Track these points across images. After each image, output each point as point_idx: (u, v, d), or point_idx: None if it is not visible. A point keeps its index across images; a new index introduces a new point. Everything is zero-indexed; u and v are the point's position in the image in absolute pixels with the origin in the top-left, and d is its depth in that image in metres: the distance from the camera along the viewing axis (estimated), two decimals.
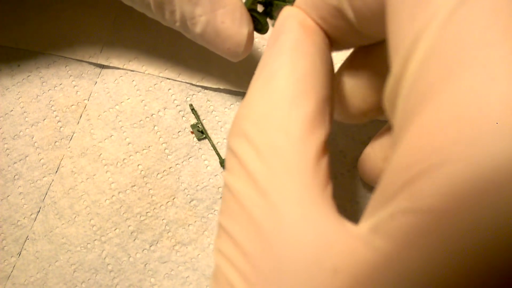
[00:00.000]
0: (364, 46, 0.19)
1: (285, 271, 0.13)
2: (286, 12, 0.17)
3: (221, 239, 0.15)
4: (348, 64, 0.20)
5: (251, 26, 0.23)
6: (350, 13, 0.15)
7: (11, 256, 0.26)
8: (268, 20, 0.24)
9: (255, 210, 0.14)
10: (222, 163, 0.27)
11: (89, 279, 0.25)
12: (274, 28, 0.17)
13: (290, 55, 0.16)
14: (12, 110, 0.29)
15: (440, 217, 0.10)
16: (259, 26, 0.24)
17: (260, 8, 0.24)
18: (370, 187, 0.26)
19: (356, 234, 0.12)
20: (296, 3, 0.18)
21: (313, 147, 0.15)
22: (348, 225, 0.13)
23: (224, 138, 0.27)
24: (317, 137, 0.15)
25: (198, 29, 0.23)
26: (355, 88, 0.19)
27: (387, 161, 0.18)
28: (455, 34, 0.10)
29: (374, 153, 0.22)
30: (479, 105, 0.10)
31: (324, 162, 0.15)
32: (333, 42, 0.18)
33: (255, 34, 0.24)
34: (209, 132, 0.27)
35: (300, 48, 0.16)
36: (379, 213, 0.11)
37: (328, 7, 0.16)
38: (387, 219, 0.11)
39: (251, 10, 0.23)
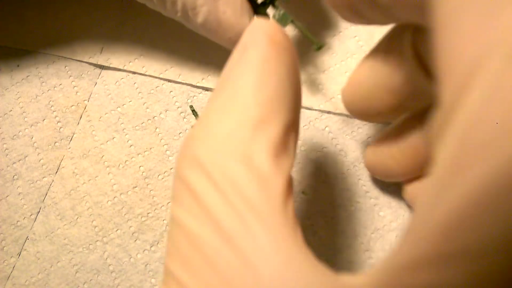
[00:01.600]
0: (386, 45, 0.19)
1: None
2: (257, 24, 0.16)
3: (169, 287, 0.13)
4: (369, 61, 0.20)
5: (253, 15, 0.24)
6: None
7: (11, 257, 0.26)
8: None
9: (220, 260, 0.12)
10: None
11: (91, 280, 0.25)
12: (242, 39, 0.16)
13: (257, 73, 0.14)
14: (11, 110, 0.29)
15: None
16: (260, 16, 0.24)
17: None
18: (369, 187, 0.26)
19: None
20: None
21: (279, 186, 0.13)
22: (343, 277, 0.12)
23: None
24: (282, 171, 0.14)
25: (199, 19, 0.23)
26: (373, 87, 0.19)
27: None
28: None
29: (381, 151, 0.22)
30: None
31: (291, 202, 0.14)
32: (356, 13, 0.16)
33: None
34: None
35: (268, 66, 0.15)
36: (384, 272, 0.10)
37: None
38: (389, 278, 0.10)
39: (251, 1, 0.24)
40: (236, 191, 0.13)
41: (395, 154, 0.22)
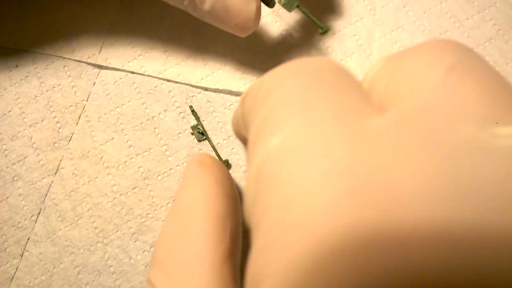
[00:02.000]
0: None
1: None
2: (191, 157, 0.21)
3: None
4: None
5: (259, 0, 0.24)
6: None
7: (14, 258, 0.26)
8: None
9: None
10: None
11: (93, 281, 0.26)
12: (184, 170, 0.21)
13: (189, 191, 0.20)
14: (10, 111, 0.29)
15: None
16: (266, 1, 0.25)
17: None
18: None
19: None
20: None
21: (219, 272, 0.17)
22: None
23: (224, 139, 0.27)
24: (220, 256, 0.18)
25: (206, 6, 0.23)
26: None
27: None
28: (271, 172, 0.12)
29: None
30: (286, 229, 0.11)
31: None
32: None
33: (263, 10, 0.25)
34: (209, 133, 0.28)
35: (198, 183, 0.20)
36: None
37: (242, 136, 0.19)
38: None
39: None
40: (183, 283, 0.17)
41: None
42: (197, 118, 0.28)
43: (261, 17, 0.26)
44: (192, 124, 0.28)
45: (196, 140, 0.27)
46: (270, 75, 0.14)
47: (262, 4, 0.25)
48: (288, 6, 0.24)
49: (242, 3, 0.23)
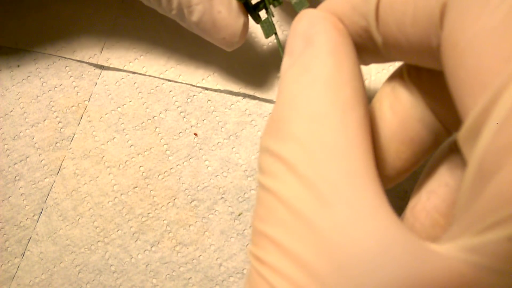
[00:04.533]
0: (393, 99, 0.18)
1: (356, 285, 0.12)
2: (313, 13, 0.16)
3: (264, 248, 0.14)
4: (380, 115, 0.19)
5: (247, 16, 0.24)
6: (378, 38, 0.15)
7: (15, 257, 0.26)
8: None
9: (318, 220, 0.13)
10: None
11: (93, 280, 0.26)
12: (300, 27, 0.16)
13: (334, 59, 0.15)
14: (12, 111, 0.29)
15: None
16: (253, 17, 0.24)
17: None
18: None
19: (447, 253, 0.12)
20: (320, 8, 0.17)
21: (369, 157, 0.14)
22: (427, 243, 0.13)
23: (225, 139, 0.27)
24: (369, 145, 0.14)
25: (194, 17, 0.23)
26: (388, 142, 0.18)
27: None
28: None
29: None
30: None
31: (377, 172, 0.14)
32: None
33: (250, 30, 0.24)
34: (209, 132, 0.28)
35: (342, 52, 0.15)
36: (474, 238, 0.12)
37: (356, 25, 0.16)
38: (490, 244, 0.12)
39: (245, 4, 0.24)
40: (333, 159, 0.14)
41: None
42: (268, 12, 0.24)
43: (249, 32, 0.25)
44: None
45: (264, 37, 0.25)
46: None
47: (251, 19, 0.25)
48: (266, 31, 0.24)
49: (230, 18, 0.23)
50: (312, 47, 0.15)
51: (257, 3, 0.24)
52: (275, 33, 0.24)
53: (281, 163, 0.14)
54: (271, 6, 0.24)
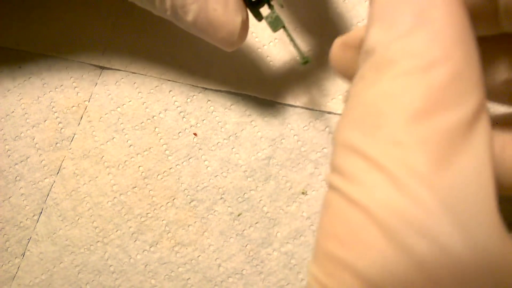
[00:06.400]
0: None
1: None
2: None
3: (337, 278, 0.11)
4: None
5: (246, 13, 0.22)
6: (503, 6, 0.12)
7: (15, 257, 0.27)
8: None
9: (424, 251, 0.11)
10: (304, 59, 0.23)
11: (93, 280, 0.26)
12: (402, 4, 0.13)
13: (458, 48, 0.12)
14: (13, 112, 0.29)
15: None
16: (254, 14, 0.23)
17: None
18: None
19: None
20: None
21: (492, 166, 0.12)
22: None
23: (224, 139, 0.27)
24: (492, 162, 0.12)
25: (189, 17, 0.22)
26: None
27: None
28: None
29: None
30: None
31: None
32: None
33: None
34: (208, 132, 0.28)
35: (467, 36, 0.12)
36: None
37: None
38: None
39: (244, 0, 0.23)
40: (457, 169, 0.11)
41: None
42: (271, 6, 0.23)
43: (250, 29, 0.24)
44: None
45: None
46: None
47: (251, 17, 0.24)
48: (274, 25, 0.23)
49: (226, 16, 0.22)
50: (427, 27, 0.12)
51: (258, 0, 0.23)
52: (284, 27, 0.23)
53: (377, 169, 0.12)
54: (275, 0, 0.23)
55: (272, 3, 0.23)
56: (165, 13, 0.23)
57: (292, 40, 0.23)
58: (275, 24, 0.23)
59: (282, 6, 0.23)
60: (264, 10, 0.23)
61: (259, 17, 0.23)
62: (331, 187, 0.12)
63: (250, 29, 0.28)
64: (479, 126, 0.12)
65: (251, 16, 0.24)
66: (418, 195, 0.11)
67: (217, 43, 0.23)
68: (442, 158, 0.11)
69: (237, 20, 0.22)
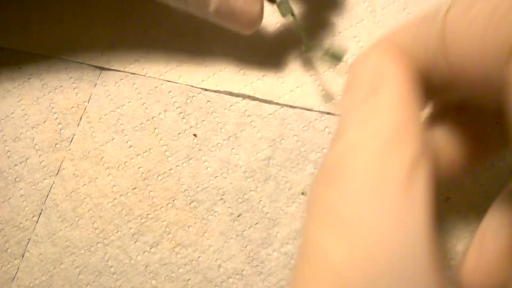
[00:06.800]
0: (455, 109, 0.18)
1: None
2: (382, 52, 0.16)
3: None
4: (438, 121, 0.18)
5: (263, 0, 0.24)
6: (443, 74, 0.15)
7: (15, 258, 0.27)
8: None
9: None
10: (307, 47, 0.24)
11: (93, 281, 0.26)
12: (367, 68, 0.16)
13: (398, 113, 0.14)
14: (13, 113, 0.29)
15: None
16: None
17: None
18: None
19: None
20: (385, 42, 0.16)
21: (432, 218, 0.13)
22: None
23: (224, 139, 0.27)
24: (433, 207, 0.14)
25: (211, 8, 0.23)
26: (445, 143, 0.18)
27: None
28: None
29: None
30: None
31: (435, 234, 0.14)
32: None
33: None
34: (208, 133, 0.28)
35: (408, 105, 0.14)
36: None
37: (417, 59, 0.15)
38: None
39: None
40: (387, 229, 0.13)
41: None
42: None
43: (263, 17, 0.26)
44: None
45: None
46: None
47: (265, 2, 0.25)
48: (282, 10, 0.24)
49: (247, 4, 0.23)
50: (377, 98, 0.15)
51: None
52: (293, 14, 0.24)
53: (336, 218, 0.13)
54: None
55: None
56: (185, 3, 0.23)
57: (298, 27, 0.24)
58: (285, 10, 0.24)
59: None
60: None
61: (272, 1, 0.25)
62: (305, 227, 0.15)
63: None
64: (417, 178, 0.13)
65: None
66: (354, 251, 0.13)
67: (236, 29, 0.24)
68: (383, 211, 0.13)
69: (257, 7, 0.23)
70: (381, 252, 0.13)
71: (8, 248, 0.27)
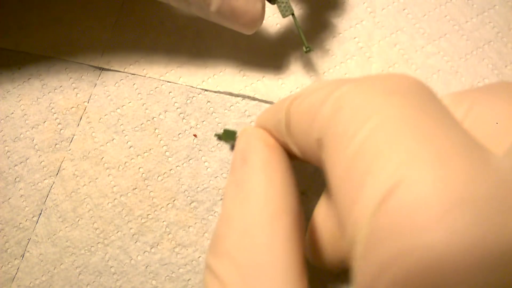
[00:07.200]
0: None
1: None
2: (249, 132, 0.19)
3: None
4: (319, 210, 0.20)
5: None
6: (296, 151, 0.18)
7: (15, 259, 0.26)
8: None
9: None
10: (308, 48, 0.25)
11: (93, 282, 0.26)
12: (239, 146, 0.19)
13: (263, 176, 0.17)
14: (12, 113, 0.29)
15: None
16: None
17: None
18: None
19: None
20: (256, 124, 0.20)
21: (298, 265, 0.15)
22: None
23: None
24: (296, 251, 0.16)
25: (212, 8, 0.23)
26: (326, 231, 0.19)
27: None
28: (387, 223, 0.12)
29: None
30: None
31: (305, 276, 0.16)
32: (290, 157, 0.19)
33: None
34: (208, 134, 0.28)
35: (271, 167, 0.17)
36: None
37: (279, 140, 0.18)
38: None
39: None
40: (259, 274, 0.15)
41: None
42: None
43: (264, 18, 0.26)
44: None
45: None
46: (351, 91, 0.14)
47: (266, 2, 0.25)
48: (282, 10, 0.25)
49: (248, 4, 0.23)
50: (246, 165, 0.18)
51: None
52: (293, 14, 0.24)
53: (217, 280, 0.16)
54: None
55: None
56: (186, 3, 0.23)
57: (298, 27, 0.25)
58: (285, 10, 0.24)
59: None
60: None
61: (272, 1, 0.25)
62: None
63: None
64: (279, 226, 0.16)
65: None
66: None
67: (238, 29, 0.24)
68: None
69: (258, 6, 0.23)
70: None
71: (8, 248, 0.27)
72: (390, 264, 0.11)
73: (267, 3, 0.26)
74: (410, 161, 0.11)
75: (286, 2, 0.24)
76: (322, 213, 0.20)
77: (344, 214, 0.13)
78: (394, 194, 0.11)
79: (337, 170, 0.13)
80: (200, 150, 0.27)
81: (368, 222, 0.12)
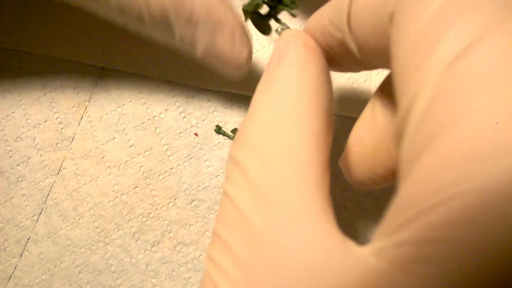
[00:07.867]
0: (380, 96, 0.19)
1: (277, 281, 0.13)
2: (290, 33, 0.18)
3: (214, 246, 0.15)
4: (367, 121, 0.19)
5: (251, 45, 0.23)
6: (353, 47, 0.17)
7: (13, 257, 0.26)
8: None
9: (256, 220, 0.14)
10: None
11: (93, 280, 0.26)
12: (278, 46, 0.18)
13: (297, 72, 0.16)
14: (13, 112, 0.29)
15: (446, 246, 0.10)
16: (262, 28, 0.24)
17: (263, 10, 0.24)
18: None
19: (359, 256, 0.12)
20: (304, 29, 0.19)
21: (319, 162, 0.15)
22: (351, 244, 0.13)
23: (225, 139, 0.27)
24: (322, 152, 0.15)
25: (198, 53, 0.23)
26: (378, 144, 0.19)
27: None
28: (458, 81, 0.11)
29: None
30: (483, 146, 0.10)
31: (327, 178, 0.15)
32: (335, 63, 0.19)
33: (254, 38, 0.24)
34: (209, 132, 0.28)
35: (306, 67, 0.17)
36: (385, 240, 0.12)
37: (334, 38, 0.17)
38: (393, 247, 0.11)
39: (255, 13, 0.23)
40: (280, 166, 0.14)
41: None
42: (278, 20, 0.24)
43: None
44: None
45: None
46: None
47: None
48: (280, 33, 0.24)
49: (234, 51, 0.22)
50: (281, 63, 0.17)
51: (267, 13, 0.23)
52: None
53: (238, 168, 0.15)
54: (286, 10, 0.23)
55: (279, 17, 0.23)
56: (173, 42, 0.23)
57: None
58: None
59: (294, 16, 0.23)
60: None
61: (267, 31, 0.24)
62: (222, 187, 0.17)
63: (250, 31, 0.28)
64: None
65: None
66: (257, 186, 0.15)
67: (224, 74, 0.24)
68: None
69: (244, 53, 0.22)
70: (269, 189, 0.14)
71: (6, 247, 0.27)
72: (448, 128, 0.11)
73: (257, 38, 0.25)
74: (491, 23, 0.11)
75: (285, 28, 0.23)
76: (364, 125, 0.19)
77: (408, 78, 0.12)
78: (472, 50, 0.11)
79: (410, 34, 0.13)
80: (201, 149, 0.27)
81: (437, 79, 0.11)
